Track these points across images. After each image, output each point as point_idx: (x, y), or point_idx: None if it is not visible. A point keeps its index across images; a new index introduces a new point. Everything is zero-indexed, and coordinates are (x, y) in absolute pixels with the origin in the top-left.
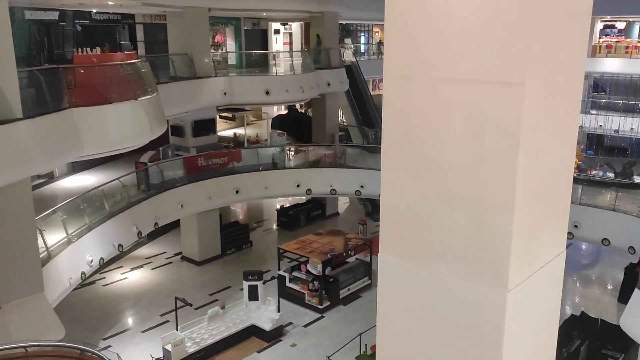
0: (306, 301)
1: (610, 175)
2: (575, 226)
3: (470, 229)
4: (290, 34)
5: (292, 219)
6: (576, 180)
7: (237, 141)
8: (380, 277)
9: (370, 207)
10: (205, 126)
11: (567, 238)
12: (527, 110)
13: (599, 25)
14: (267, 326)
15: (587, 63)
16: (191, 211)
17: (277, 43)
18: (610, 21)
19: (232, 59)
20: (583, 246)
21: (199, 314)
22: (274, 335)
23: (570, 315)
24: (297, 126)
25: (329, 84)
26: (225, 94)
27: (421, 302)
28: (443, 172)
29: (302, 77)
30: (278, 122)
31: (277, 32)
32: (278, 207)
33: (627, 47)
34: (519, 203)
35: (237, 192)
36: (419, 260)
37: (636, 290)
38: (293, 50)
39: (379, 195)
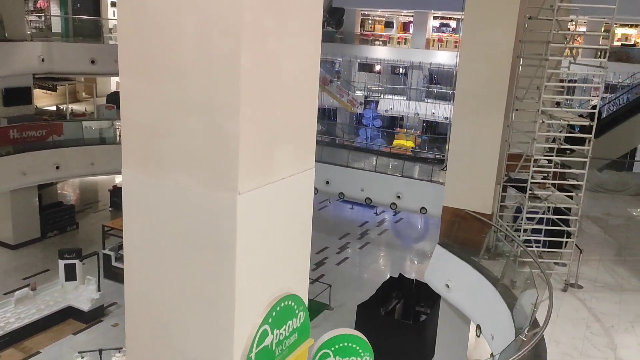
0: None
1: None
2: (398, 197)
3: (205, 134)
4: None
5: None
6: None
7: (60, 114)
8: (125, 195)
9: None
10: (18, 95)
11: (391, 208)
12: (249, 14)
13: (433, 22)
14: (85, 307)
15: (422, 55)
16: (0, 189)
17: (115, 15)
18: (445, 19)
19: (57, 27)
20: (412, 218)
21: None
22: (94, 316)
23: (389, 277)
24: None
25: None
26: (43, 60)
27: (165, 216)
28: (178, 77)
29: None
30: (114, 98)
31: (113, 4)
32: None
33: (456, 42)
34: (247, 107)
35: (57, 167)
36: (161, 173)
37: (437, 246)
38: None
39: None
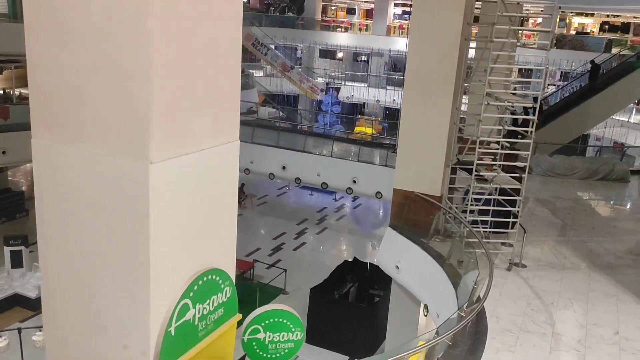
0: None
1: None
2: (354, 181)
3: (115, 101)
4: None
5: None
6: (367, 144)
7: (7, 98)
8: (35, 165)
9: None
10: None
11: (347, 193)
12: None
13: (394, 9)
14: (32, 294)
15: (383, 42)
16: None
17: None
18: (406, 5)
19: (3, 8)
20: (371, 204)
21: None
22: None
23: (344, 261)
24: None
25: None
26: None
27: (78, 186)
28: (86, 40)
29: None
30: None
31: None
32: None
33: None
34: (158, 72)
35: (3, 152)
36: (72, 141)
37: (387, 228)
38: None
39: None
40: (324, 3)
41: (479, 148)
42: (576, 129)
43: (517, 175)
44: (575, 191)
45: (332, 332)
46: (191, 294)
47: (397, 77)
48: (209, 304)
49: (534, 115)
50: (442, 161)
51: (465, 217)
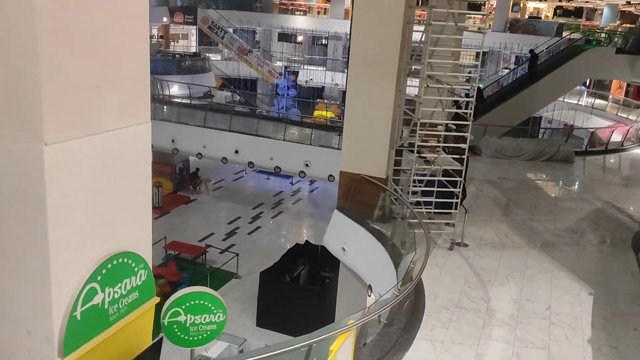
0: None
1: None
2: (307, 165)
3: (6, 80)
4: None
5: None
6: (320, 127)
7: None
8: None
9: None
10: None
11: (299, 176)
12: None
13: None
14: None
15: (341, 25)
16: None
17: None
18: None
19: None
20: (328, 188)
21: None
22: None
23: (295, 244)
24: None
25: None
26: None
27: None
28: None
29: None
30: None
31: None
32: None
33: None
34: (48, 50)
35: None
36: None
37: (335, 210)
38: None
39: None
40: None
41: (421, 130)
42: (524, 111)
43: (459, 156)
44: (521, 172)
45: (282, 315)
46: (99, 278)
47: None
48: (120, 288)
49: (478, 99)
50: (387, 143)
51: (409, 199)
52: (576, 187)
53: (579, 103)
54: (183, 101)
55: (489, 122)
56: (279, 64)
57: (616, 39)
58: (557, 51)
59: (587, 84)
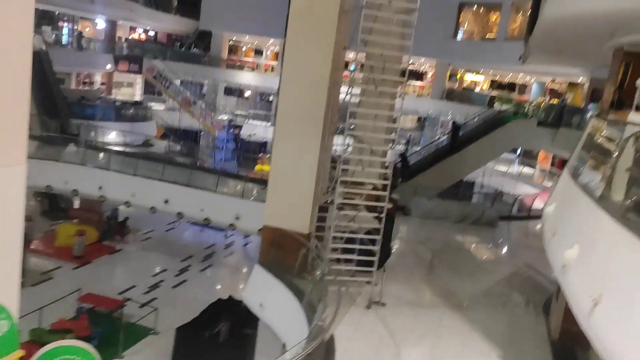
0: None
1: None
2: (237, 218)
3: None
4: None
5: None
6: (253, 180)
7: None
8: None
9: (48, 204)
10: None
11: (230, 229)
12: None
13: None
14: None
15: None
16: None
17: None
18: None
19: None
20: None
21: None
22: None
23: (217, 299)
24: None
25: None
26: None
27: None
28: None
29: None
30: None
31: None
32: None
33: None
34: None
35: None
36: None
37: (255, 265)
38: None
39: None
40: (232, 43)
41: (345, 188)
42: (453, 175)
43: (379, 215)
44: (447, 233)
45: None
46: None
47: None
48: None
49: (401, 161)
50: (311, 199)
51: (328, 256)
52: (497, 250)
53: (509, 171)
54: (115, 148)
55: (419, 183)
56: (223, 117)
57: (538, 113)
58: (485, 120)
59: (518, 153)
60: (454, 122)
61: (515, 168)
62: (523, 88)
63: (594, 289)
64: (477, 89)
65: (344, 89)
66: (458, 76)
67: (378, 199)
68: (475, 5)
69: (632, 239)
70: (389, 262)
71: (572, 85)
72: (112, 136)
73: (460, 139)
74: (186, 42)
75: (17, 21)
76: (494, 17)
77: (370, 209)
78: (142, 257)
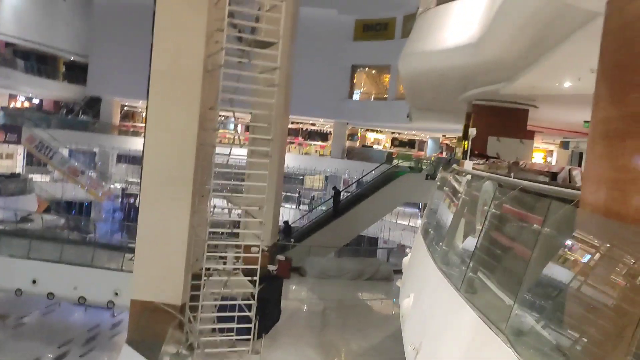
0: None
1: None
2: (116, 294)
3: None
4: None
5: None
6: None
7: None
8: None
9: None
10: None
11: (108, 307)
12: None
13: None
14: None
15: None
16: None
17: None
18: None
19: None
20: None
21: None
22: None
23: None
24: None
25: None
26: None
27: None
28: None
29: None
30: None
31: None
32: None
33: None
34: None
35: None
36: None
37: (124, 345)
38: None
39: None
40: (128, 108)
41: (212, 252)
42: (348, 232)
43: (252, 278)
44: (341, 292)
45: None
46: None
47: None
48: None
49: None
50: (182, 267)
51: (203, 327)
52: (388, 305)
53: (410, 224)
54: None
55: (315, 242)
56: (117, 185)
57: (426, 167)
58: (378, 177)
59: (420, 206)
60: (334, 187)
61: (418, 221)
62: (422, 144)
63: (416, 337)
64: (380, 147)
65: (220, 149)
66: (359, 135)
67: (249, 261)
68: (367, 67)
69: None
70: (277, 326)
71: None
72: None
73: (351, 199)
74: (74, 109)
75: None
76: (386, 78)
77: (247, 272)
78: (10, 348)
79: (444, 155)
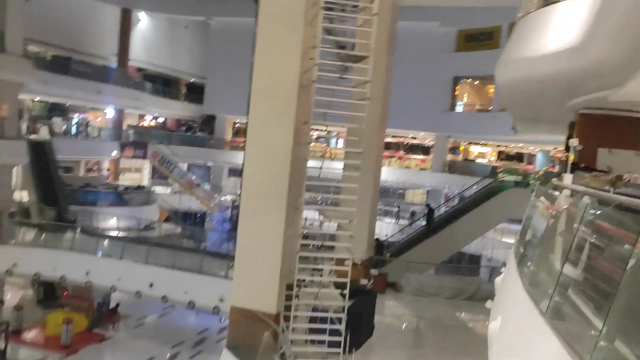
0: None
1: None
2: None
3: None
4: None
5: None
6: None
7: None
8: None
9: (43, 293)
10: None
11: (213, 312)
12: None
13: None
14: None
15: None
16: None
17: None
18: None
19: None
20: None
21: None
22: None
23: None
24: None
25: None
26: None
27: None
28: None
29: None
30: None
31: None
32: None
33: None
34: None
35: None
36: None
37: (224, 350)
38: None
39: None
40: (240, 125)
41: (302, 264)
42: (447, 249)
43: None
44: (438, 311)
45: None
46: None
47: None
48: None
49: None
50: (277, 277)
51: (296, 337)
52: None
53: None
54: (111, 233)
55: (412, 258)
56: (228, 197)
57: (533, 181)
58: (479, 190)
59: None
60: (427, 205)
61: None
62: (532, 158)
63: None
64: (484, 161)
65: (312, 163)
66: (461, 148)
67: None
68: (470, 78)
69: (531, 306)
70: (369, 342)
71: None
72: (112, 221)
73: (451, 213)
74: (192, 126)
75: None
76: (491, 88)
77: (339, 285)
78: (130, 346)
79: (556, 169)
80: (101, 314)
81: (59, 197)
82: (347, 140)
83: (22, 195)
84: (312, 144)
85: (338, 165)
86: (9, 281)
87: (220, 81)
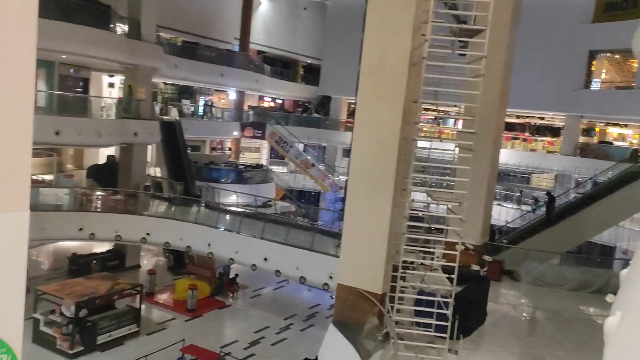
0: (57, 346)
1: None
2: (331, 277)
3: None
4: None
5: (83, 267)
6: None
7: None
8: None
9: (173, 260)
10: None
11: (323, 289)
12: None
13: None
14: None
15: None
16: None
17: (111, 94)
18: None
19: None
20: None
21: None
22: None
23: (305, 358)
24: (110, 175)
25: (135, 134)
26: None
27: None
28: None
29: (99, 122)
30: (93, 171)
31: (111, 85)
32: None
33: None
34: None
35: None
36: None
37: (330, 325)
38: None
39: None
40: (354, 106)
41: (408, 245)
42: (573, 238)
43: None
44: (559, 302)
45: None
46: None
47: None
48: None
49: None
50: (383, 258)
51: (401, 319)
52: None
53: None
54: (231, 208)
55: (531, 246)
56: (342, 177)
57: None
58: (614, 176)
59: None
60: (548, 192)
61: None
62: None
63: None
64: (625, 143)
65: (422, 143)
66: (597, 130)
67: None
68: (609, 52)
69: None
70: (480, 329)
71: None
72: (232, 197)
73: (581, 199)
74: (309, 107)
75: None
76: (635, 63)
77: (448, 269)
78: (247, 314)
79: None
80: (222, 283)
81: (187, 173)
82: (464, 120)
83: (156, 171)
84: (426, 124)
85: (451, 147)
86: (144, 248)
87: (335, 62)
